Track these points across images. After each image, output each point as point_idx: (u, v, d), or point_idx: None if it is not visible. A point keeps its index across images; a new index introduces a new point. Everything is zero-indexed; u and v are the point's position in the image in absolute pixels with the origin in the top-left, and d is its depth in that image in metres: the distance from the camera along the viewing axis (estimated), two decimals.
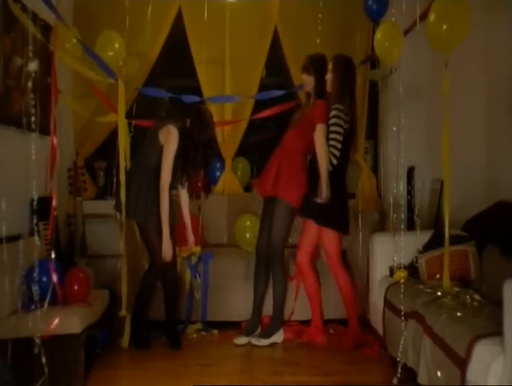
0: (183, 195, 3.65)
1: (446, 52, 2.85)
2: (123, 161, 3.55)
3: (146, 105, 4.51)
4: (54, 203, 3.12)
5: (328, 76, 3.47)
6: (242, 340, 3.55)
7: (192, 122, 3.46)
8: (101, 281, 3.59)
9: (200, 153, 3.44)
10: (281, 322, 3.66)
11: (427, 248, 3.16)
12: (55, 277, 2.87)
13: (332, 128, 3.43)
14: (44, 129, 3.44)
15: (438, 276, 2.96)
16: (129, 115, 3.99)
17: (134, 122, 4.00)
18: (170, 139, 3.37)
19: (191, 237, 3.70)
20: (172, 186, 3.49)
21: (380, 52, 3.67)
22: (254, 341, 3.54)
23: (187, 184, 3.61)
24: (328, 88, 3.49)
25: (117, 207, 3.54)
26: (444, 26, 2.80)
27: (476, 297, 2.63)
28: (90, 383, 2.95)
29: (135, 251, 3.81)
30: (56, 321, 2.66)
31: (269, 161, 3.64)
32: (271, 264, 3.61)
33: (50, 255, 3.01)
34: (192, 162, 3.46)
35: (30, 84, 2.98)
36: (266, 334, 3.57)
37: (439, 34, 2.84)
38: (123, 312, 3.46)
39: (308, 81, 3.59)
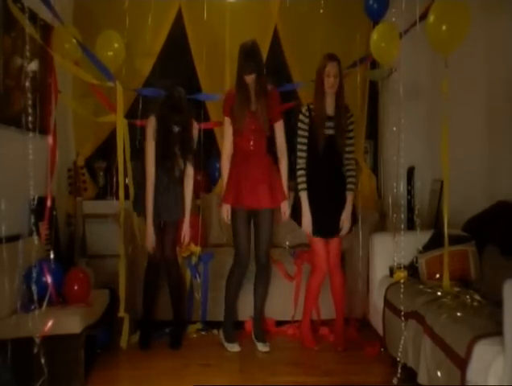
0: (186, 178, 3.59)
1: (446, 53, 2.85)
2: (122, 161, 3.55)
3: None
4: (49, 203, 3.13)
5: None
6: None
7: (162, 105, 3.49)
8: (101, 281, 3.59)
9: (175, 135, 3.44)
10: None
11: (427, 248, 3.16)
12: (49, 278, 2.87)
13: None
14: (44, 129, 3.44)
15: (438, 276, 2.96)
16: (129, 115, 3.99)
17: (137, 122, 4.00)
18: (147, 128, 3.47)
19: (187, 222, 3.59)
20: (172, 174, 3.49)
21: (376, 53, 3.68)
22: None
23: (185, 168, 3.55)
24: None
25: (137, 208, 3.59)
26: (444, 27, 2.80)
27: (476, 297, 2.63)
28: (90, 384, 2.95)
29: (135, 250, 3.81)
30: (51, 322, 2.65)
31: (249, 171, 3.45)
32: (269, 269, 3.60)
33: (49, 255, 3.00)
34: (171, 146, 3.44)
35: (30, 84, 2.98)
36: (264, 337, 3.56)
37: (438, 35, 2.84)
38: (121, 313, 3.46)
39: None
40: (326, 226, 3.42)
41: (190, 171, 3.57)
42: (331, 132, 3.38)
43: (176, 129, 3.45)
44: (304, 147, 3.41)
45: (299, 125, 3.42)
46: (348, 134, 3.45)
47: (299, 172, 3.41)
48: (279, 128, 3.48)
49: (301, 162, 3.42)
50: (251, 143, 3.41)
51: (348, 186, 3.45)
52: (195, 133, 3.59)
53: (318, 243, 3.44)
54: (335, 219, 3.42)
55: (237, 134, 3.44)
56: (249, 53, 3.32)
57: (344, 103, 3.42)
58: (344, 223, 3.42)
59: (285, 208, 3.48)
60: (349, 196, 3.44)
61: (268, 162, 3.48)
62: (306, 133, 3.40)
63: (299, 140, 3.43)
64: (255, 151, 3.42)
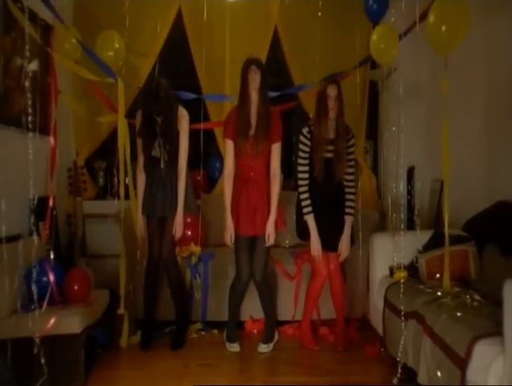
0: (179, 172, 3.48)
1: (445, 53, 2.85)
2: (123, 161, 3.55)
3: None
4: (51, 203, 3.13)
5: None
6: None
7: (143, 97, 3.52)
8: (101, 281, 3.59)
9: (158, 126, 3.43)
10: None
11: (427, 248, 3.16)
12: (49, 278, 2.87)
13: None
14: (44, 129, 3.45)
15: (438, 276, 2.96)
16: (129, 115, 3.99)
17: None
18: (136, 123, 3.55)
19: (179, 215, 3.47)
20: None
21: (376, 54, 3.68)
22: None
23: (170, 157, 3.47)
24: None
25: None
26: (444, 28, 2.80)
27: (476, 297, 2.63)
28: (90, 384, 2.95)
29: (135, 250, 3.80)
30: (52, 321, 2.66)
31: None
32: (267, 284, 3.55)
33: (49, 255, 3.01)
34: (153, 136, 3.44)
35: (30, 84, 2.98)
36: (269, 338, 3.56)
37: (438, 36, 2.84)
38: (121, 310, 3.46)
39: None
40: (325, 241, 3.41)
41: (181, 163, 3.47)
42: (330, 155, 3.36)
43: (158, 119, 3.43)
44: (306, 168, 3.39)
45: (300, 146, 3.40)
46: (349, 156, 3.41)
47: (303, 195, 3.39)
48: (276, 150, 3.36)
49: (304, 184, 3.40)
50: (250, 168, 3.34)
51: (347, 210, 3.43)
52: (183, 123, 3.48)
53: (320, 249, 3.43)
54: (333, 236, 3.42)
55: (236, 158, 3.38)
56: (252, 63, 3.30)
57: (344, 125, 3.38)
58: (343, 248, 3.43)
59: (270, 230, 3.35)
60: (348, 220, 3.42)
61: (266, 185, 3.38)
62: (307, 155, 3.38)
63: (301, 161, 3.40)
64: (254, 176, 3.36)
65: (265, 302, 3.56)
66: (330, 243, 3.43)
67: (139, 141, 3.52)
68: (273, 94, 4.19)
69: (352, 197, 3.46)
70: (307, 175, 3.40)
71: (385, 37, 3.63)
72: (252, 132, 3.32)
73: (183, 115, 3.50)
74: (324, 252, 3.43)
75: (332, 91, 3.30)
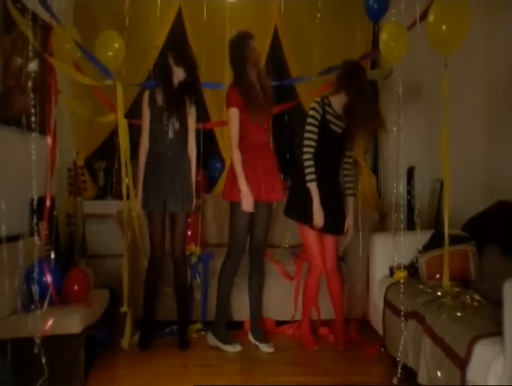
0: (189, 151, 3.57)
1: (446, 53, 2.85)
2: (124, 161, 3.55)
3: None
4: (48, 203, 3.13)
5: None
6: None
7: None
8: (101, 281, 3.59)
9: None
10: None
11: (427, 248, 3.15)
12: (49, 278, 2.87)
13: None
14: (44, 129, 3.44)
15: (438, 276, 2.96)
16: (128, 115, 3.99)
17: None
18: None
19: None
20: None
21: (386, 53, 3.64)
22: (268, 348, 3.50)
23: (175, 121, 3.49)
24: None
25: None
26: (444, 27, 2.79)
27: (476, 297, 2.63)
28: (90, 383, 2.95)
29: (135, 249, 3.81)
30: (51, 321, 2.66)
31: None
32: (262, 264, 3.59)
33: (49, 255, 3.01)
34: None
35: (30, 84, 2.98)
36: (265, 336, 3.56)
37: (438, 35, 2.84)
38: (124, 308, 3.45)
39: None
40: (328, 224, 3.37)
41: (192, 143, 3.55)
42: (339, 130, 3.38)
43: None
44: (314, 136, 3.32)
45: (312, 113, 3.34)
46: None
47: (308, 162, 3.31)
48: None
49: (309, 152, 3.32)
50: (259, 135, 3.39)
51: (349, 191, 3.49)
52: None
53: (313, 237, 3.41)
54: (336, 218, 3.42)
55: (246, 127, 3.35)
56: (250, 37, 3.37)
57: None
58: (350, 230, 3.48)
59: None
60: (351, 201, 3.48)
61: (274, 153, 3.50)
62: (317, 122, 3.33)
63: (309, 128, 3.33)
64: (266, 142, 3.43)
65: (256, 289, 3.53)
66: (333, 225, 3.41)
67: (146, 117, 3.47)
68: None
69: (351, 179, 3.50)
70: (314, 144, 3.33)
71: (394, 35, 3.58)
72: (260, 99, 3.36)
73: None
74: (318, 239, 3.41)
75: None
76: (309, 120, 3.35)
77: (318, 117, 3.34)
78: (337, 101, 3.38)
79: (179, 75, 3.45)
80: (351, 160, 3.55)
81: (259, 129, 3.38)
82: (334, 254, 3.50)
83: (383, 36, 3.59)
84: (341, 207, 3.47)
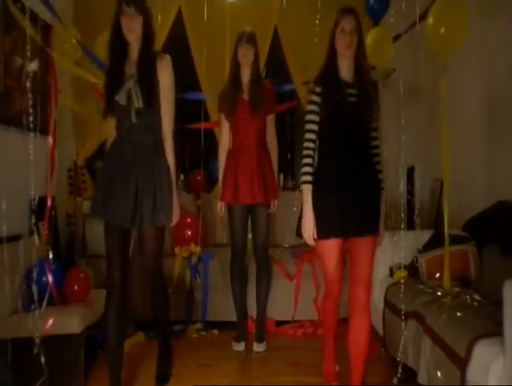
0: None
1: (445, 54, 2.86)
2: None
3: None
4: (49, 203, 3.13)
5: None
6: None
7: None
8: (101, 281, 3.58)
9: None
10: None
11: (427, 248, 3.16)
12: (49, 278, 2.87)
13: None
14: (44, 129, 3.44)
15: (438, 276, 2.97)
16: None
17: None
18: None
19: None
20: None
21: (371, 58, 3.65)
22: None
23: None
24: None
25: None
26: (442, 30, 2.80)
27: (476, 297, 2.63)
28: (90, 383, 2.95)
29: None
30: (51, 321, 2.66)
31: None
32: (268, 265, 3.59)
33: (49, 255, 3.01)
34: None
35: (30, 84, 2.98)
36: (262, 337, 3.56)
37: (437, 38, 2.84)
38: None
39: None
40: (346, 222, 2.50)
41: (166, 125, 2.66)
42: (352, 99, 2.55)
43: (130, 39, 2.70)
44: (315, 127, 2.55)
45: (310, 97, 2.58)
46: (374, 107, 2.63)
47: (306, 160, 2.55)
48: (271, 122, 3.48)
49: (309, 147, 2.55)
50: (245, 135, 3.40)
51: (381, 184, 2.64)
52: (165, 64, 2.64)
53: (330, 250, 2.57)
54: (362, 216, 2.52)
55: (231, 128, 3.46)
56: (241, 37, 3.36)
57: (367, 66, 2.62)
58: (382, 233, 2.69)
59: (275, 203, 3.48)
60: (382, 197, 2.64)
61: (262, 154, 3.44)
62: (316, 108, 2.54)
63: (309, 117, 2.56)
64: (250, 144, 3.41)
65: (263, 290, 3.54)
66: (359, 225, 2.52)
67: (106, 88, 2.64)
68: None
69: (381, 167, 2.65)
70: (314, 136, 2.55)
71: (378, 39, 3.61)
72: (245, 96, 3.38)
73: (165, 58, 2.68)
74: (337, 254, 2.58)
75: (347, 23, 2.49)
76: (306, 107, 2.61)
77: (316, 99, 2.55)
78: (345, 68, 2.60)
79: None
80: (378, 142, 2.65)
81: (244, 131, 3.40)
82: (368, 273, 2.64)
83: (368, 41, 3.61)
84: (373, 199, 2.58)
